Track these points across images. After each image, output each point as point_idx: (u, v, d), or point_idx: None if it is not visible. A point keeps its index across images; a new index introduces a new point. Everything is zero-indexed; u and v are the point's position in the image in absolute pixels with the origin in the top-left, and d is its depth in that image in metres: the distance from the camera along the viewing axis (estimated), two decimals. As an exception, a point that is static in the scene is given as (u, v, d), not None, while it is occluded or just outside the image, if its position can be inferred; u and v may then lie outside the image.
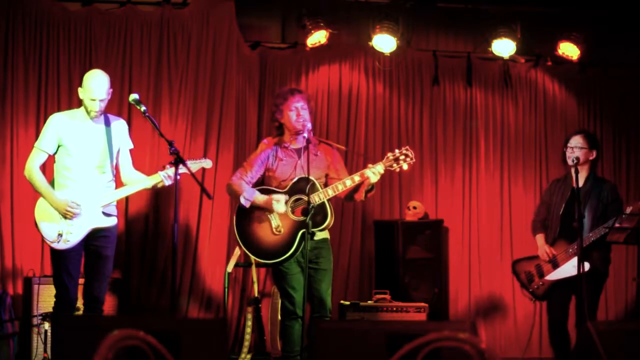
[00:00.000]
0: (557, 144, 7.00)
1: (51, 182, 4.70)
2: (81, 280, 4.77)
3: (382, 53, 6.73)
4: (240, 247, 4.79)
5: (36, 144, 4.74)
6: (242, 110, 6.61)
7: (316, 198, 4.55)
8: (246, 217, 4.74)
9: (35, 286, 5.47)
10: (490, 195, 7.11)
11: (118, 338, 2.17)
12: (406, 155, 4.60)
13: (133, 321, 3.38)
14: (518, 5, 6.80)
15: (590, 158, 5.23)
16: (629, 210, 4.94)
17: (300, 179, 4.69)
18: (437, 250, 6.69)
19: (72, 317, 4.27)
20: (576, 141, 5.22)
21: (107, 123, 4.81)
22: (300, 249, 4.64)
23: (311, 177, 4.54)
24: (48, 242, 4.64)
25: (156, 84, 6.32)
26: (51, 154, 4.72)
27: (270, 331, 6.04)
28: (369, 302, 6.13)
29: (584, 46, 6.83)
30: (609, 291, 6.87)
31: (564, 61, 7.00)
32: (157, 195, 6.21)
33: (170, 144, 4.39)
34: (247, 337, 5.97)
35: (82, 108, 4.77)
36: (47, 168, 4.84)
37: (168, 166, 4.68)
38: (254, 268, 6.04)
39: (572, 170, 5.08)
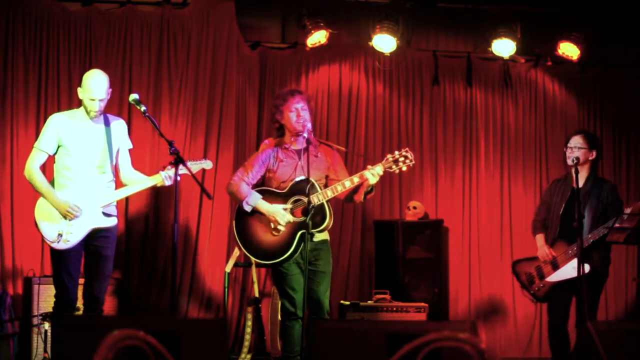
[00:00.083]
0: (557, 144, 7.00)
1: (51, 182, 4.70)
2: (81, 280, 4.77)
3: (382, 53, 6.73)
4: (239, 248, 4.79)
5: (36, 144, 4.74)
6: (242, 110, 6.61)
7: (315, 199, 4.54)
8: (245, 218, 4.74)
9: (35, 286, 5.47)
10: (490, 195, 7.11)
11: (118, 338, 2.17)
12: (405, 157, 4.59)
13: (133, 321, 3.38)
14: (518, 5, 6.80)
15: (590, 158, 5.23)
16: (628, 210, 4.94)
17: (299, 180, 4.69)
18: (437, 250, 6.69)
19: (72, 317, 4.27)
20: (576, 141, 5.21)
21: (107, 123, 4.81)
22: (300, 250, 4.64)
23: (311, 179, 4.54)
24: (48, 242, 4.64)
25: (156, 84, 6.32)
26: (51, 154, 4.72)
27: (270, 331, 6.04)
28: (369, 302, 6.13)
29: (584, 46, 6.83)
30: (609, 291, 6.87)
31: (564, 61, 7.00)
32: (157, 195, 6.21)
33: (170, 144, 4.39)
34: (247, 337, 5.97)
35: (81, 108, 4.77)
36: (47, 168, 4.84)
37: (169, 166, 4.68)
38: (254, 268, 6.04)
39: (572, 171, 5.07)
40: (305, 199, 4.52)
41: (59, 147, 4.70)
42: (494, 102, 7.22)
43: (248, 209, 4.70)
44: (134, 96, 4.59)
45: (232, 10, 6.44)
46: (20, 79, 6.09)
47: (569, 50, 6.87)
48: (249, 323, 5.99)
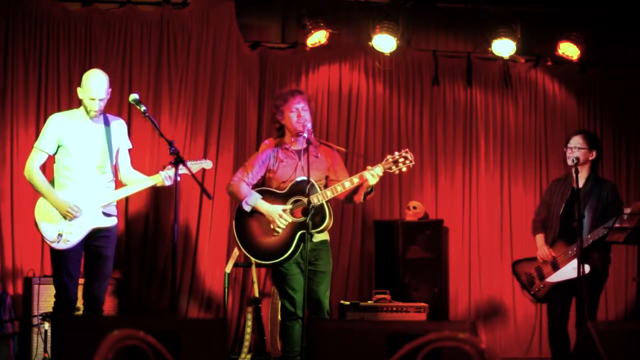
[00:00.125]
0: (557, 144, 7.01)
1: (51, 182, 4.70)
2: (81, 280, 4.77)
3: (382, 53, 6.73)
4: (238, 248, 4.79)
5: (36, 144, 4.74)
6: (242, 110, 6.60)
7: (315, 199, 4.54)
8: (245, 218, 4.74)
9: (35, 286, 5.47)
10: (490, 195, 7.11)
11: (118, 338, 2.17)
12: (405, 158, 4.59)
13: (133, 321, 3.38)
14: (518, 5, 6.80)
15: (590, 158, 5.23)
16: (628, 210, 4.94)
17: (299, 181, 4.69)
18: (437, 250, 6.69)
19: (72, 317, 4.27)
20: (576, 141, 5.21)
21: (107, 123, 4.81)
22: (299, 250, 4.64)
23: (311, 179, 4.54)
24: (48, 242, 4.64)
25: (156, 84, 6.32)
26: (51, 154, 4.72)
27: (270, 331, 6.03)
28: (369, 302, 6.13)
29: (584, 46, 6.83)
30: (609, 291, 6.87)
31: (564, 61, 7.00)
32: (157, 195, 6.21)
33: (170, 144, 4.39)
34: (247, 337, 5.97)
35: (81, 108, 4.77)
36: (47, 168, 4.84)
37: (169, 166, 4.68)
38: (254, 268, 6.04)
39: (572, 171, 5.07)
40: (305, 200, 4.52)
41: (58, 147, 4.70)
42: (494, 102, 7.22)
43: (247, 209, 4.70)
44: (134, 96, 4.59)
45: (232, 10, 6.44)
46: (20, 79, 6.09)
47: (569, 50, 6.87)
48: (249, 323, 5.99)
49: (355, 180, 4.59)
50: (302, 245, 4.61)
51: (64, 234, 4.60)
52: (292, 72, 6.88)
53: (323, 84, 6.95)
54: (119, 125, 4.89)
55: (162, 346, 2.29)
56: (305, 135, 4.59)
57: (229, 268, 5.94)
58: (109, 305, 5.39)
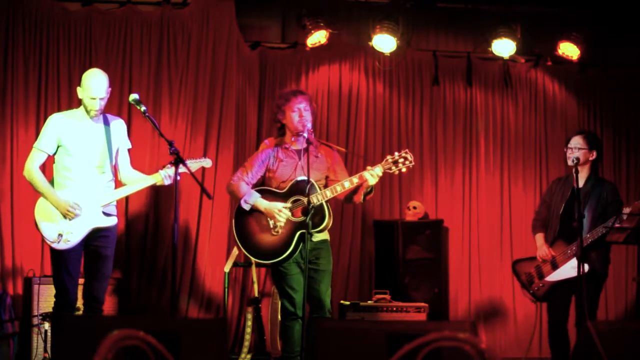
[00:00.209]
0: (557, 144, 7.01)
1: (50, 182, 4.70)
2: (81, 280, 4.77)
3: (382, 53, 6.73)
4: (238, 247, 4.79)
5: (35, 145, 4.73)
6: (242, 110, 6.61)
7: (314, 199, 4.54)
8: (245, 217, 4.74)
9: (35, 286, 5.47)
10: (490, 195, 7.11)
11: (118, 338, 2.17)
12: (405, 159, 4.59)
13: (133, 321, 3.38)
14: (518, 5, 6.80)
15: (591, 159, 5.23)
16: (627, 210, 4.94)
17: (299, 181, 4.69)
18: (437, 250, 6.69)
19: (72, 317, 4.27)
20: (576, 142, 5.21)
21: (107, 123, 4.81)
22: (299, 250, 4.64)
23: (310, 179, 4.54)
24: (48, 242, 4.64)
25: (156, 84, 6.32)
26: (51, 154, 4.72)
27: (270, 331, 6.03)
28: (369, 302, 6.13)
29: (584, 46, 6.83)
30: (609, 291, 6.88)
31: (564, 61, 7.01)
32: (157, 195, 6.21)
33: (170, 144, 4.39)
34: (247, 337, 5.97)
35: (81, 108, 4.77)
36: (46, 168, 4.84)
37: (168, 166, 4.68)
38: (254, 268, 6.04)
39: (572, 171, 5.08)
40: (305, 199, 4.52)
41: (58, 147, 4.70)
42: (494, 102, 7.22)
43: (247, 207, 4.70)
44: (134, 96, 4.59)
45: (232, 10, 6.44)
46: (20, 79, 6.09)
47: (569, 50, 6.87)
48: (249, 323, 5.99)
49: (355, 180, 4.60)
50: (301, 244, 4.61)
51: (64, 234, 4.60)
52: (292, 72, 6.88)
53: (323, 84, 6.95)
54: (118, 125, 4.89)
55: (162, 346, 2.29)
56: (305, 135, 4.59)
57: (228, 267, 5.94)
58: (109, 305, 5.39)
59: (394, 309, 6.03)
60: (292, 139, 4.79)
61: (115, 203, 4.82)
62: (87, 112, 4.72)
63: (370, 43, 6.66)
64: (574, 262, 5.01)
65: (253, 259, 4.81)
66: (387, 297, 6.12)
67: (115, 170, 4.85)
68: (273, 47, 6.91)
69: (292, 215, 4.66)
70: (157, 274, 6.23)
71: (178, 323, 3.59)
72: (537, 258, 5.33)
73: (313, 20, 6.54)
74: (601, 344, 3.08)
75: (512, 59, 7.03)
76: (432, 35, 7.27)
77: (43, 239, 4.68)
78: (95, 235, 4.69)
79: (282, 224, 4.64)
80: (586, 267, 4.96)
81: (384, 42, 6.64)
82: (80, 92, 4.71)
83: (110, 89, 4.75)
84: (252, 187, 4.79)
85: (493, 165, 7.16)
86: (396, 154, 4.62)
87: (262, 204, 4.68)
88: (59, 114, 4.89)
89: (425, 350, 2.20)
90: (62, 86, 6.14)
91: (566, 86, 7.32)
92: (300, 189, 4.65)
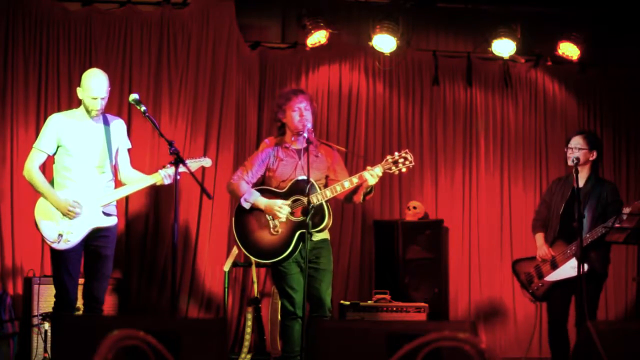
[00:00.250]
0: (557, 144, 7.01)
1: (50, 182, 4.70)
2: (81, 280, 4.77)
3: (382, 53, 6.73)
4: (238, 247, 4.79)
5: (35, 145, 4.73)
6: (242, 110, 6.61)
7: (314, 199, 4.54)
8: (245, 217, 4.74)
9: (35, 286, 5.47)
10: (490, 195, 7.11)
11: (118, 338, 2.17)
12: (405, 159, 4.60)
13: (133, 321, 3.38)
14: (518, 5, 6.80)
15: (591, 159, 5.23)
16: (627, 210, 4.94)
17: (299, 180, 4.69)
18: (437, 250, 6.69)
19: (72, 317, 4.27)
20: (576, 142, 5.21)
21: (106, 123, 4.81)
22: (299, 249, 4.64)
23: (310, 179, 4.54)
24: (48, 242, 4.64)
25: (156, 84, 6.32)
26: (50, 154, 4.72)
27: (270, 331, 6.03)
28: (369, 302, 6.13)
29: (584, 46, 6.83)
30: (609, 291, 6.87)
31: (564, 61, 7.00)
32: (157, 195, 6.21)
33: (170, 144, 4.39)
34: (247, 337, 5.97)
35: (81, 108, 4.77)
36: (46, 168, 4.84)
37: (168, 165, 4.68)
38: (254, 268, 6.04)
39: (572, 171, 5.07)
40: (305, 199, 4.53)
41: (58, 147, 4.70)
42: (494, 102, 7.22)
43: (247, 205, 4.70)
44: (134, 96, 4.59)
45: (232, 10, 6.44)
46: (20, 79, 6.09)
47: (569, 50, 6.87)
48: (249, 323, 5.99)
49: (355, 180, 4.60)
50: (301, 244, 4.61)
51: (65, 234, 4.60)
52: (292, 72, 6.88)
53: (323, 84, 6.95)
54: (118, 125, 4.89)
55: (162, 346, 2.29)
56: (305, 134, 4.59)
57: (227, 266, 5.94)
58: (109, 305, 5.39)
59: (394, 309, 6.03)
60: (293, 138, 4.79)
61: (115, 203, 4.82)
62: (88, 112, 4.72)
63: (370, 43, 6.66)
64: (573, 262, 5.01)
65: (253, 259, 4.81)
66: (387, 297, 6.12)
67: (115, 170, 4.85)
68: (273, 47, 6.91)
69: (292, 214, 4.67)
70: (157, 274, 6.23)
71: (178, 323, 3.59)
72: (536, 258, 5.33)
73: (313, 20, 6.54)
74: (601, 344, 3.08)
75: (512, 59, 7.03)
76: (432, 35, 7.27)
77: (43, 239, 4.68)
78: (95, 235, 4.69)
79: (283, 220, 4.64)
80: (586, 267, 4.96)
81: (384, 42, 6.64)
82: (81, 93, 4.71)
83: (109, 88, 4.75)
84: (252, 187, 4.79)
85: (493, 165, 7.16)
86: (396, 154, 4.62)
87: (262, 201, 4.68)
88: (59, 114, 4.89)
89: (425, 350, 2.20)
90: (62, 86, 6.14)
91: (566, 86, 7.32)
92: (300, 188, 4.65)
